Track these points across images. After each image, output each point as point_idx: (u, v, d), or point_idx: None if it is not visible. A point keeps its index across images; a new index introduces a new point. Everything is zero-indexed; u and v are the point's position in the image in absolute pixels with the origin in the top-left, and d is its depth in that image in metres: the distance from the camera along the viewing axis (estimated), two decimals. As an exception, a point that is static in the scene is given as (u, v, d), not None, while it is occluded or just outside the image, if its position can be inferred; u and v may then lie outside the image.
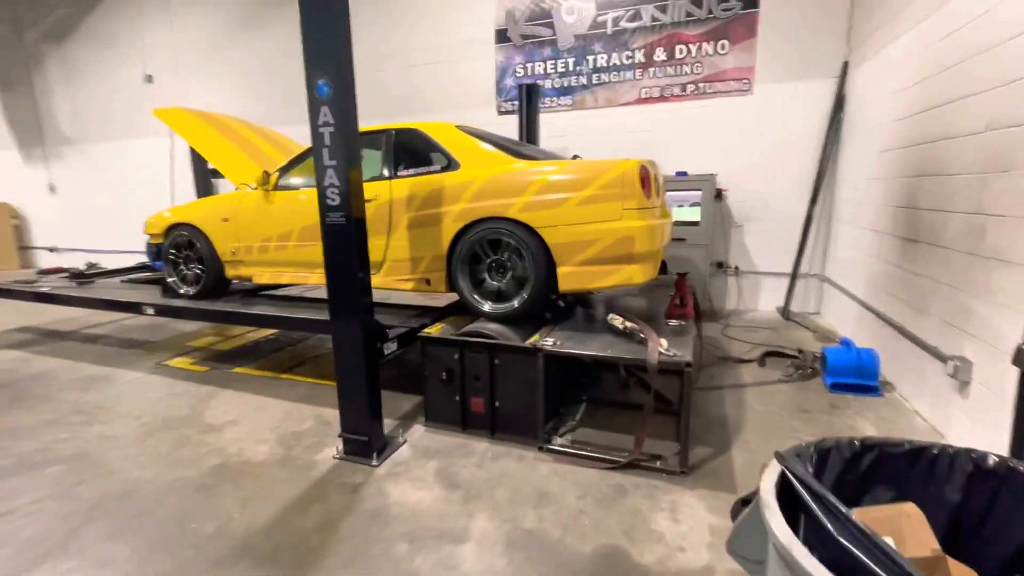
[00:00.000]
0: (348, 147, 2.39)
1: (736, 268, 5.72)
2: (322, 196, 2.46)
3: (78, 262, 9.17)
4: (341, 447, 2.78)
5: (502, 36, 6.13)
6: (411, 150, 3.45)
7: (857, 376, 3.44)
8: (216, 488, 2.51)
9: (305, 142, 3.03)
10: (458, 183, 3.09)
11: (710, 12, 5.29)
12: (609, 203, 2.76)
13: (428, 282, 3.28)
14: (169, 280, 4.16)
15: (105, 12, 8.58)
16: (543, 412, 2.75)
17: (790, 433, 2.96)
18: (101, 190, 9.47)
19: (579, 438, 2.92)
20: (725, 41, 5.30)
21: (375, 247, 3.36)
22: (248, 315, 3.61)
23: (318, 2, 2.28)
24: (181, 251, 4.08)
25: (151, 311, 3.98)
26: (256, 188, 3.67)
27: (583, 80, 5.87)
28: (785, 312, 5.40)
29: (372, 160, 3.57)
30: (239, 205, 3.78)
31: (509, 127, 5.50)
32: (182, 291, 4.09)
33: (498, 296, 3.09)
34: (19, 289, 4.76)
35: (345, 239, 2.47)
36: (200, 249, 3.96)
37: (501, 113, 6.25)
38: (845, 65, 4.98)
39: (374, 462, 2.67)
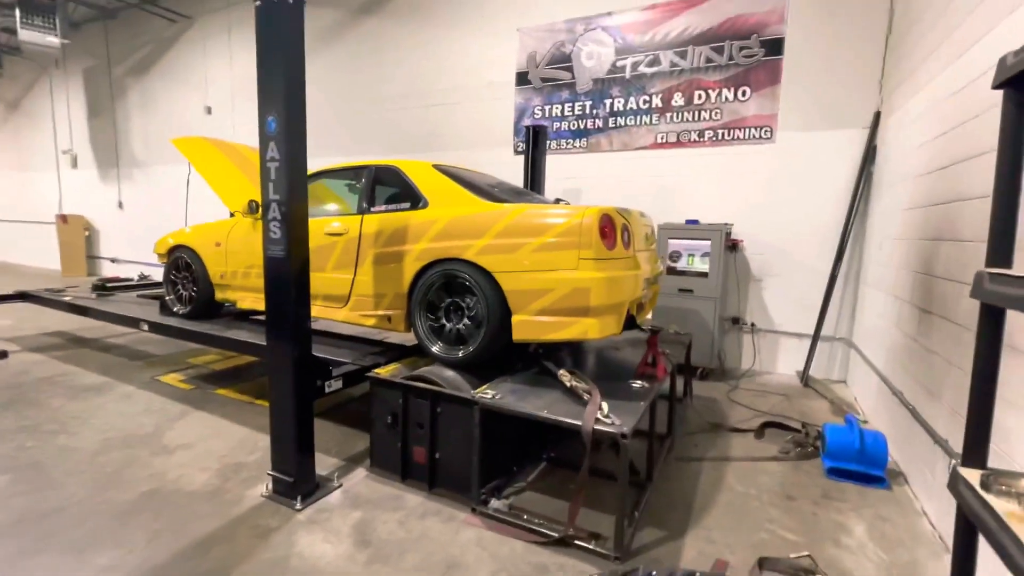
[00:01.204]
0: (292, 183, 2.39)
1: (752, 325, 5.30)
2: (265, 228, 2.47)
3: (133, 272, 9.91)
4: (271, 485, 2.69)
5: (522, 79, 6.20)
6: (388, 187, 3.46)
7: (859, 462, 3.00)
8: (136, 516, 2.47)
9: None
10: (422, 222, 3.04)
11: (731, 59, 5.11)
12: (565, 251, 2.60)
13: (389, 319, 3.21)
14: (167, 299, 4.33)
15: (178, 50, 9.50)
16: (478, 470, 2.55)
17: (763, 524, 2.58)
18: (160, 209, 10.23)
19: (522, 503, 2.68)
20: (746, 88, 5.08)
21: (342, 281, 3.35)
22: (199, 334, 3.76)
23: (274, 44, 2.33)
24: (180, 272, 4.25)
25: (145, 327, 4.14)
26: (245, 215, 3.79)
27: (599, 123, 5.80)
28: (804, 377, 4.91)
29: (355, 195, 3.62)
30: (230, 231, 3.91)
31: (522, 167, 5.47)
32: (175, 309, 4.25)
33: (452, 340, 2.96)
34: (48, 297, 5.12)
35: (283, 273, 2.45)
36: (196, 271, 4.11)
37: (517, 153, 6.25)
38: (877, 115, 4.63)
39: (297, 505, 2.56)
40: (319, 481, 2.77)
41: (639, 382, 2.81)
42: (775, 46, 4.94)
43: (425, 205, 3.12)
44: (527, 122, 6.13)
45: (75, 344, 5.61)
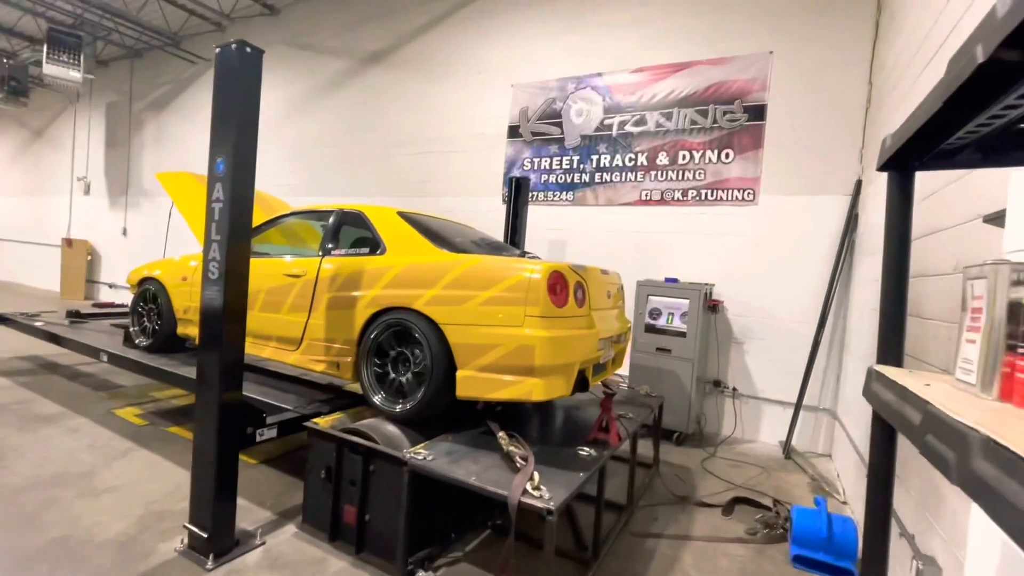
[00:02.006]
0: (234, 225, 2.37)
1: (734, 390, 5.11)
2: (205, 268, 2.43)
3: (128, 299, 9.96)
4: (186, 539, 2.52)
5: (514, 132, 6.34)
6: (352, 231, 3.45)
7: (827, 552, 2.76)
8: (33, 566, 2.31)
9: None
10: (377, 268, 2.99)
11: (715, 122, 5.18)
12: (511, 307, 2.53)
13: (338, 366, 3.11)
14: (131, 330, 4.28)
15: (195, 90, 9.93)
16: (405, 536, 2.37)
17: (712, 617, 2.35)
18: (161, 238, 10.41)
19: (454, 575, 2.48)
20: (730, 150, 5.13)
21: (296, 324, 3.28)
22: (153, 368, 3.71)
23: (229, 90, 2.37)
24: (146, 304, 4.22)
25: (105, 358, 4.07)
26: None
27: (586, 178, 5.85)
28: (786, 449, 4.66)
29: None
30: (198, 267, 3.88)
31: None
32: (137, 341, 4.18)
33: (395, 392, 2.84)
34: (20, 321, 5.10)
35: (216, 314, 2.38)
36: (161, 304, 4.08)
37: (504, 202, 6.30)
38: (859, 183, 4.61)
39: (209, 564, 2.38)
40: (240, 537, 2.59)
41: (587, 449, 2.65)
42: (758, 112, 5.01)
43: (383, 251, 3.09)
44: (516, 173, 6.21)
45: (45, 370, 5.54)
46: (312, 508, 2.79)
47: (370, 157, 7.62)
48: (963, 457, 0.50)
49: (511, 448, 2.39)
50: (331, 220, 3.46)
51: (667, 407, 4.29)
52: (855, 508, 3.45)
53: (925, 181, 2.62)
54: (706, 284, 4.89)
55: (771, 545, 3.04)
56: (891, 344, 0.96)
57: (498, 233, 5.29)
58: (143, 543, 2.55)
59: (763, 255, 5.00)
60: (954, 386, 0.72)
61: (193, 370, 3.57)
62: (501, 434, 2.51)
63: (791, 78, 4.91)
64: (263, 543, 2.63)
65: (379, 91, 7.54)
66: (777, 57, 4.96)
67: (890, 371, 0.83)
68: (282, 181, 8.09)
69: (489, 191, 6.53)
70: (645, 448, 3.98)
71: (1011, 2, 0.46)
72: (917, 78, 2.93)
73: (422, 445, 2.54)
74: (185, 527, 2.51)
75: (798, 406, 4.69)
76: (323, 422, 2.82)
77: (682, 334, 4.72)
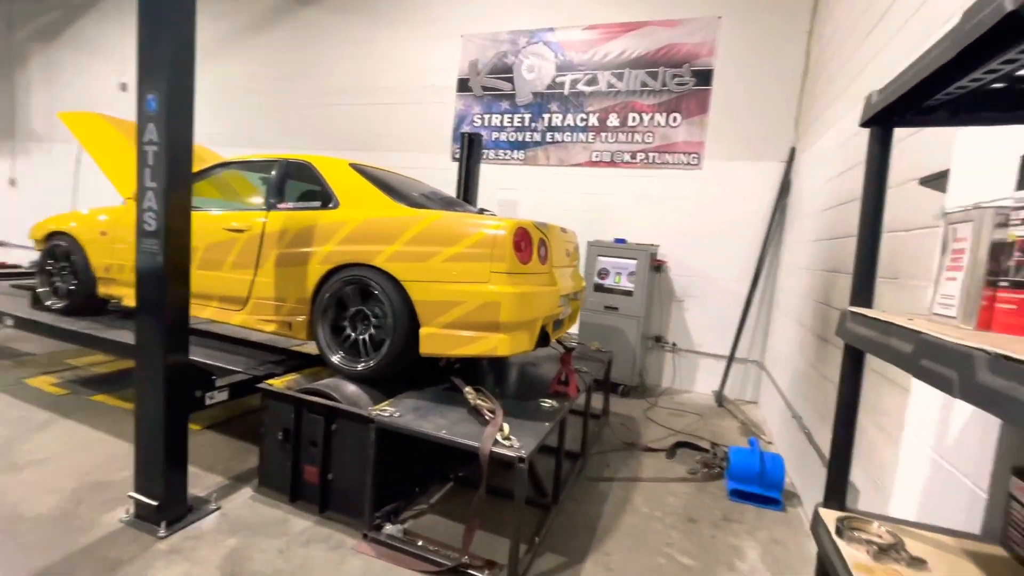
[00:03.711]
0: (172, 170, 2.15)
1: (674, 345, 5.44)
2: (139, 219, 2.20)
3: (24, 259, 8.87)
4: (132, 509, 2.38)
5: (463, 85, 6.12)
6: (299, 184, 3.23)
7: (760, 485, 3.08)
8: (-48, 547, 2.10)
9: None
10: (331, 223, 2.84)
11: (664, 85, 5.27)
12: (476, 263, 2.50)
13: (290, 326, 2.97)
14: (40, 291, 3.83)
15: (92, 19, 8.68)
16: (372, 492, 2.37)
17: (663, 548, 2.57)
18: (60, 190, 9.25)
19: (418, 527, 2.52)
20: (677, 114, 5.25)
21: (241, 282, 3.07)
22: (73, 332, 3.36)
23: (158, 10, 2.09)
24: (57, 262, 3.78)
25: (10, 323, 3.64)
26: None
27: (537, 137, 5.80)
28: (719, 398, 5.06)
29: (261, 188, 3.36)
30: (119, 220, 3.51)
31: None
32: (48, 303, 3.76)
33: (355, 351, 2.77)
34: None
35: (156, 270, 2.18)
36: (76, 262, 3.67)
37: (454, 159, 6.13)
38: (792, 151, 4.90)
39: (161, 532, 2.27)
40: (192, 504, 2.48)
41: (549, 401, 2.74)
42: (705, 77, 5.14)
43: (336, 205, 2.93)
44: (466, 129, 6.04)
45: (-70, 338, 4.88)
46: (269, 471, 2.71)
47: (304, 107, 7.09)
48: (967, 374, 0.56)
49: (479, 402, 2.42)
50: (274, 172, 3.22)
51: (614, 362, 4.50)
52: (779, 447, 3.84)
53: (862, 148, 2.82)
54: (652, 245, 5.08)
55: (710, 483, 3.34)
56: (863, 289, 1.06)
57: (449, 192, 5.17)
58: (82, 516, 2.38)
59: (705, 218, 5.25)
60: (932, 319, 0.81)
61: (121, 333, 3.32)
62: (468, 389, 2.53)
63: (737, 44, 5.05)
64: (218, 508, 2.53)
65: (316, 34, 6.96)
66: (725, 22, 5.07)
67: (867, 311, 0.92)
68: (200, 130, 7.32)
69: (438, 147, 6.31)
70: (595, 400, 4.18)
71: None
72: (853, 53, 3.10)
73: (387, 403, 2.52)
74: (131, 496, 2.36)
75: (731, 359, 5.08)
76: (278, 383, 2.71)
77: (629, 293, 4.91)
